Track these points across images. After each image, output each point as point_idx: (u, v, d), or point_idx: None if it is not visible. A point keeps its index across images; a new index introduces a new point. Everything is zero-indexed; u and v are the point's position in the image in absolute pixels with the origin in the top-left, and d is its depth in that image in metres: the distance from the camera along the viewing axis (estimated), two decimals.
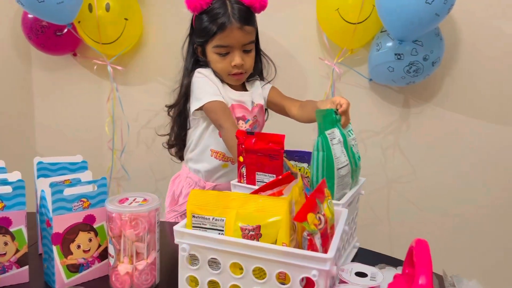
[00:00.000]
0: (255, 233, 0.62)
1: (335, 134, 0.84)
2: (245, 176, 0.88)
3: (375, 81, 1.72)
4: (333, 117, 0.85)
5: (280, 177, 0.72)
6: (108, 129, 1.89)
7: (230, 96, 1.24)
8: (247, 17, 1.19)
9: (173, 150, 1.40)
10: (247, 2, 1.19)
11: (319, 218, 0.63)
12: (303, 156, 0.96)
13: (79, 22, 1.65)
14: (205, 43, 1.22)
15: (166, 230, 1.04)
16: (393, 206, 1.88)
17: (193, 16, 1.27)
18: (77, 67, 1.89)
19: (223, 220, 0.64)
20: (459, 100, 1.74)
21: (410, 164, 1.84)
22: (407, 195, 1.86)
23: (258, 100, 1.30)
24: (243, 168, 0.88)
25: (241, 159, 0.88)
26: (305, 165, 0.96)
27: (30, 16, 1.68)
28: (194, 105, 1.21)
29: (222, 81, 1.26)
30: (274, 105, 1.33)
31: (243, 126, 1.23)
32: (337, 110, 0.90)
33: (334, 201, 0.78)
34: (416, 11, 1.34)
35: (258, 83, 1.33)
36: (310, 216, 0.61)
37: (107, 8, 1.63)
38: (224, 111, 1.15)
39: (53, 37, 1.71)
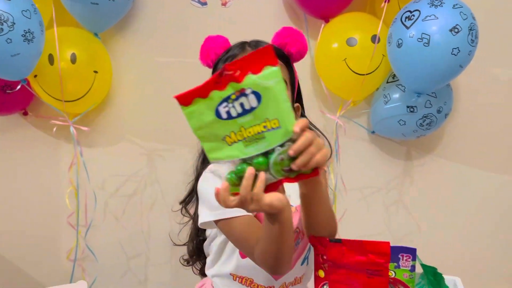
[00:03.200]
0: None
1: None
2: None
3: (380, 134, 1.58)
4: None
5: None
6: (69, 202, 1.54)
7: None
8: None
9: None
10: (278, 44, 0.92)
11: None
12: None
13: (35, 76, 1.33)
14: None
15: None
16: None
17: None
18: (27, 129, 1.54)
19: None
20: (461, 149, 1.65)
21: (415, 223, 1.71)
22: None
23: (297, 200, 0.82)
24: (325, 287, 0.65)
25: (321, 273, 0.65)
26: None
27: None
28: (202, 215, 0.88)
29: None
30: None
31: None
32: None
33: None
34: (440, 63, 1.22)
35: None
36: None
37: (73, 60, 1.34)
38: (252, 228, 0.81)
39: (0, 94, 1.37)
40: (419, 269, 0.83)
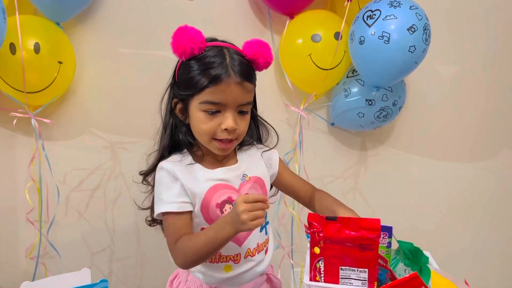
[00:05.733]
0: None
1: None
2: (322, 273, 0.71)
3: (340, 126, 1.67)
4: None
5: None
6: (29, 197, 1.48)
7: (209, 176, 1.00)
8: (248, 72, 0.97)
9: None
10: (249, 56, 0.98)
11: None
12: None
13: None
14: (189, 96, 0.96)
15: None
16: None
17: (177, 63, 1.03)
18: None
19: None
20: (410, 140, 1.80)
21: (370, 207, 1.83)
22: None
23: (253, 172, 1.05)
24: (320, 262, 0.71)
25: (316, 250, 0.71)
26: None
27: None
28: (160, 207, 0.99)
29: (197, 161, 1.03)
30: (284, 187, 1.14)
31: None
32: None
33: None
34: (399, 59, 1.33)
35: (254, 150, 1.11)
36: None
37: (37, 50, 1.29)
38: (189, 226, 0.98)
39: None
40: (394, 246, 0.91)
